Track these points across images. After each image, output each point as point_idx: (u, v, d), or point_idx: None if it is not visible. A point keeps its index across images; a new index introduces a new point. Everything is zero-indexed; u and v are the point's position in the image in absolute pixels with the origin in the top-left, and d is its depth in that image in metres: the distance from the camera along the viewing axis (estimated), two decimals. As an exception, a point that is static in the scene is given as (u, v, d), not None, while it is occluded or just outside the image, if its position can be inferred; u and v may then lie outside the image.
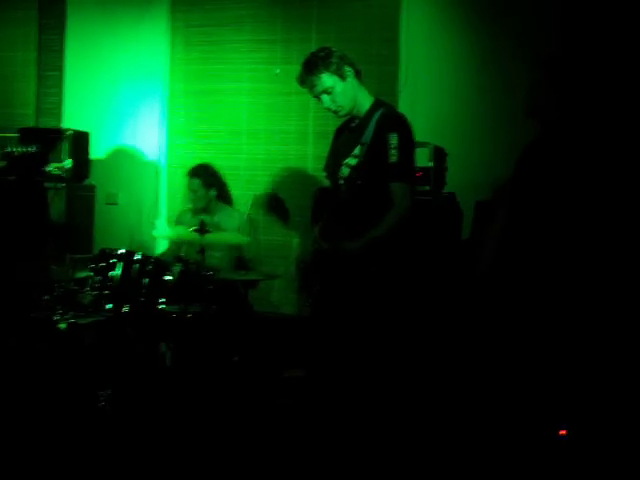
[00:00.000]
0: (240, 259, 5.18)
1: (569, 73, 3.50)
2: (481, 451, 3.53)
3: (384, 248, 3.43)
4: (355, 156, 3.56)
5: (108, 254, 4.33)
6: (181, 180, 5.31)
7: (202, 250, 4.42)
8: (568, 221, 3.35)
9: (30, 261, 4.78)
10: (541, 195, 3.39)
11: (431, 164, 4.69)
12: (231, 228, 5.10)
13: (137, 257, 4.32)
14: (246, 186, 5.80)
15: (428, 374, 4.05)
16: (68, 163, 5.60)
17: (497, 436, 3.49)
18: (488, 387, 3.62)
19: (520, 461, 3.35)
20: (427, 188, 4.62)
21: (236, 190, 5.63)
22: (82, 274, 4.40)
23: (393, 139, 3.42)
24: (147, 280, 4.30)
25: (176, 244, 5.28)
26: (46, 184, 5.53)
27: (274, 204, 5.71)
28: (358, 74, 3.61)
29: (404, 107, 4.82)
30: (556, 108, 3.47)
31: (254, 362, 4.65)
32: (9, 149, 5.48)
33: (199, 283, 4.42)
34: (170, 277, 4.41)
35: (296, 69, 3.64)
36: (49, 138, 5.63)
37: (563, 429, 3.38)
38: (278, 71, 5.66)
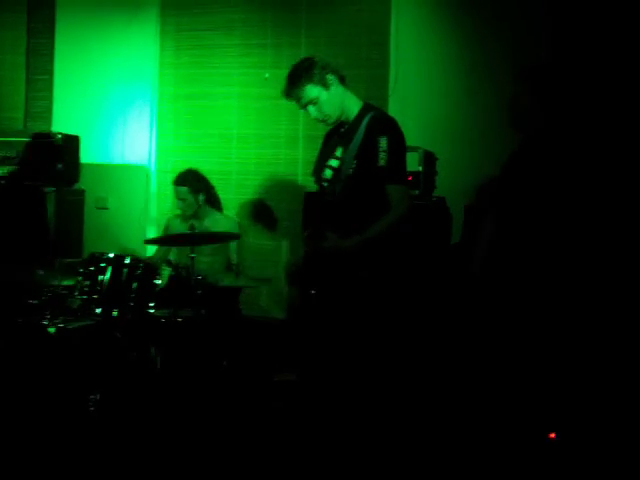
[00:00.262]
0: (229, 264, 5.17)
1: (550, 83, 3.54)
2: (474, 454, 3.53)
3: (376, 252, 3.43)
4: (336, 158, 3.58)
5: (97, 258, 4.31)
6: (171, 184, 5.30)
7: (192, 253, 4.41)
8: (554, 223, 3.38)
9: (28, 265, 4.76)
10: (527, 199, 3.43)
11: (421, 168, 4.69)
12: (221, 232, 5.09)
13: (126, 261, 4.31)
14: (236, 190, 5.80)
15: (421, 376, 4.05)
16: (58, 167, 5.58)
17: (490, 438, 3.50)
18: (482, 389, 3.63)
19: (515, 461, 3.36)
20: (417, 192, 4.62)
21: (226, 194, 5.63)
22: (71, 278, 4.39)
23: (383, 142, 3.43)
24: (136, 284, 4.29)
25: (166, 248, 5.27)
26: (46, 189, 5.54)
27: (260, 211, 5.72)
28: (343, 80, 3.62)
29: (394, 111, 4.82)
30: (539, 118, 3.51)
31: (244, 366, 4.64)
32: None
33: (188, 287, 4.41)
34: (159, 281, 4.40)
35: (286, 73, 3.64)
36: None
37: (552, 432, 3.40)
38: (267, 75, 5.66)
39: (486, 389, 3.59)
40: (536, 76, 3.56)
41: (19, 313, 4.15)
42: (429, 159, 4.82)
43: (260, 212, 5.75)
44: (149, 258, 5.23)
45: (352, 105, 3.62)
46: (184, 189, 5.09)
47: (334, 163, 3.59)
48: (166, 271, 4.72)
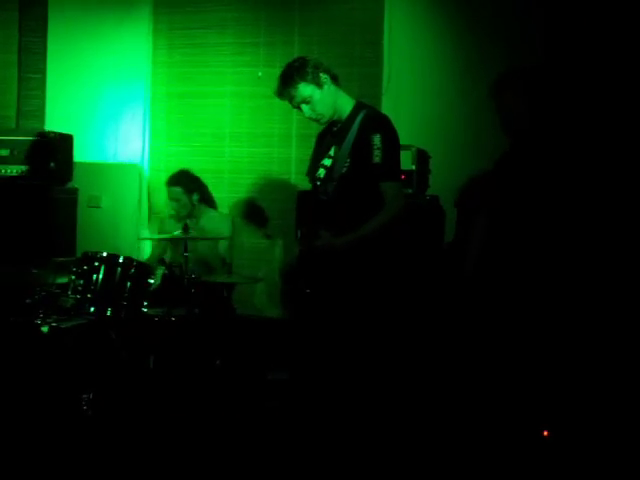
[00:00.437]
0: (223, 262, 5.17)
1: (537, 85, 3.56)
2: (466, 454, 3.54)
3: (371, 251, 3.44)
4: (329, 157, 3.59)
5: (91, 257, 4.30)
6: (164, 183, 5.30)
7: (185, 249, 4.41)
8: (545, 222, 3.40)
9: (23, 264, 4.76)
10: (518, 199, 3.45)
11: (414, 167, 4.70)
12: (216, 230, 5.09)
13: (120, 260, 4.30)
14: (229, 189, 5.80)
15: (415, 375, 4.06)
16: (51, 166, 5.57)
17: (483, 437, 3.51)
18: (476, 387, 3.64)
19: (511, 459, 3.37)
20: (410, 191, 4.62)
21: (219, 193, 5.64)
22: (64, 277, 4.38)
23: (376, 140, 3.43)
24: (130, 283, 4.28)
25: (161, 248, 5.27)
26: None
27: (253, 210, 5.72)
28: (335, 79, 3.62)
29: (387, 109, 4.82)
30: (526, 120, 3.53)
31: (237, 365, 4.64)
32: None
33: (182, 286, 4.41)
34: (153, 280, 4.40)
35: (279, 72, 3.65)
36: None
37: (545, 430, 3.41)
38: (261, 74, 5.66)
39: (480, 388, 3.60)
40: (523, 78, 3.59)
41: (12, 312, 4.14)
42: (422, 157, 4.83)
43: (253, 211, 5.74)
44: (148, 259, 5.24)
45: (345, 104, 3.62)
46: (178, 189, 5.08)
47: (327, 162, 3.60)
48: (160, 270, 4.70)
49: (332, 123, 3.65)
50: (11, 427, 3.69)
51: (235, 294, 4.98)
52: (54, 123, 6.13)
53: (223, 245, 5.13)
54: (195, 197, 5.13)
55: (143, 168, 6.06)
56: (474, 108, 5.05)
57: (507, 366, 3.43)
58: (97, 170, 6.06)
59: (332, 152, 3.59)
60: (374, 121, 3.52)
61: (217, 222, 5.17)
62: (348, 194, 3.49)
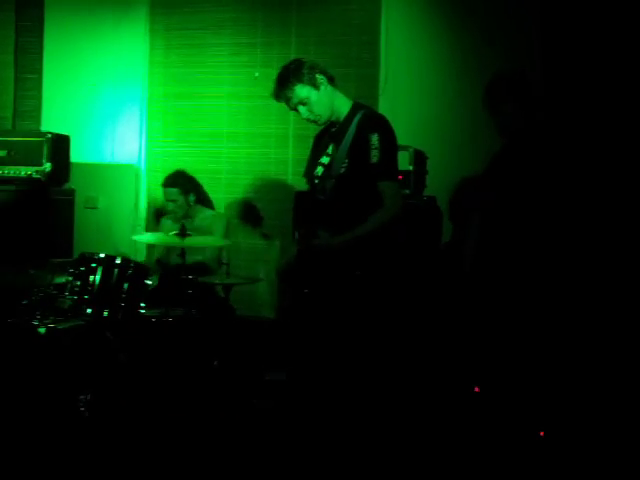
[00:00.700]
0: (220, 262, 5.17)
1: (529, 88, 3.60)
2: (464, 453, 3.55)
3: (370, 251, 3.44)
4: (327, 154, 3.59)
5: (88, 258, 4.30)
6: (160, 184, 5.30)
7: (183, 254, 4.40)
8: (539, 221, 3.42)
9: (21, 265, 4.75)
10: (512, 199, 3.47)
11: (411, 167, 4.70)
12: (212, 230, 5.10)
13: (117, 261, 4.29)
14: (226, 189, 5.80)
15: (414, 375, 4.07)
16: (47, 167, 5.57)
17: (482, 436, 3.52)
18: (476, 386, 3.65)
19: (510, 458, 3.38)
20: (407, 192, 4.63)
21: (216, 194, 5.64)
22: (61, 278, 4.37)
23: (374, 139, 3.43)
24: (127, 284, 4.27)
25: (158, 249, 5.27)
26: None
27: (251, 210, 5.71)
28: (332, 80, 3.62)
29: (384, 110, 4.82)
30: (520, 122, 3.56)
31: (235, 365, 4.64)
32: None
33: (180, 287, 4.41)
34: (150, 281, 4.39)
35: (276, 73, 3.65)
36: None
37: (541, 431, 3.42)
38: (257, 74, 5.66)
39: (480, 386, 3.61)
40: (514, 82, 3.62)
41: (9, 313, 4.13)
42: (420, 158, 4.83)
43: (250, 211, 5.74)
44: (145, 260, 5.24)
45: (342, 105, 3.62)
46: (174, 190, 5.09)
47: (325, 160, 3.60)
48: (157, 271, 4.70)
49: (330, 124, 3.65)
50: (8, 428, 3.68)
51: (233, 295, 4.97)
52: (51, 124, 6.12)
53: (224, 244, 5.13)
54: (191, 198, 5.14)
55: (140, 169, 6.05)
56: (471, 109, 5.04)
57: (506, 364, 3.44)
58: (94, 171, 6.06)
59: (330, 150, 3.60)
60: (372, 121, 3.53)
61: (212, 221, 5.18)
62: (346, 194, 3.49)
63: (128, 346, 4.19)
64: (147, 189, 6.03)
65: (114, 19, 6.08)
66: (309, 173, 3.71)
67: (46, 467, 3.43)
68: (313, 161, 3.71)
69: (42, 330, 3.96)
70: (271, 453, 3.66)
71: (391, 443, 3.61)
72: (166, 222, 5.27)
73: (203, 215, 5.22)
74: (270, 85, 3.64)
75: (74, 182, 5.90)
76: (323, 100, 3.58)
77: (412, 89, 5.32)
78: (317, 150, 3.73)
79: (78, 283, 4.21)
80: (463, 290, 3.66)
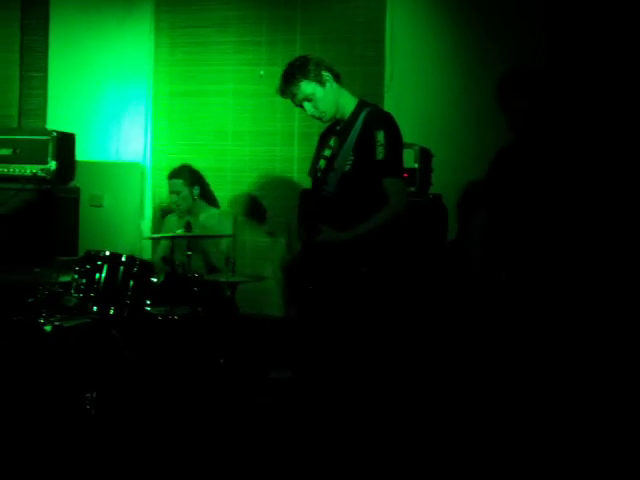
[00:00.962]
0: (226, 260, 5.17)
1: (541, 84, 3.59)
2: (469, 453, 3.54)
3: (376, 248, 3.44)
4: (329, 147, 3.60)
5: (93, 256, 4.31)
6: (166, 182, 5.31)
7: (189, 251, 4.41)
8: (545, 219, 3.41)
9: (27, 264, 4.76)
10: (518, 196, 3.46)
11: (417, 165, 4.70)
12: (217, 228, 5.10)
13: (123, 259, 4.30)
14: (232, 187, 5.79)
15: (420, 373, 4.06)
16: (52, 165, 5.57)
17: (488, 435, 3.51)
18: (482, 385, 3.65)
19: (510, 459, 3.38)
20: (413, 189, 4.63)
21: (222, 191, 5.65)
22: (67, 276, 4.38)
23: (380, 136, 3.44)
24: (133, 282, 4.28)
25: (163, 246, 5.27)
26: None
27: (256, 208, 5.71)
28: (337, 77, 3.62)
29: (390, 108, 4.83)
30: (532, 118, 3.56)
31: (240, 363, 4.64)
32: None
33: (185, 285, 4.41)
34: (156, 279, 4.40)
35: (281, 70, 3.65)
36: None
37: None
38: (262, 72, 5.66)
39: (486, 385, 3.61)
40: (524, 78, 3.62)
41: (15, 311, 4.14)
42: (425, 156, 4.83)
43: (255, 209, 5.74)
44: (150, 257, 5.25)
45: (348, 102, 3.62)
46: (179, 181, 5.11)
47: (327, 152, 3.61)
48: (163, 269, 4.70)
49: (335, 122, 3.65)
50: (15, 426, 3.69)
51: (238, 293, 4.97)
52: (56, 122, 6.12)
53: (225, 243, 5.13)
54: (196, 191, 5.15)
55: (145, 167, 6.05)
56: (477, 106, 5.05)
57: (514, 365, 3.44)
58: (99, 169, 6.06)
59: (332, 142, 3.60)
60: (378, 118, 3.53)
61: (218, 220, 5.18)
62: (351, 191, 3.49)
63: (134, 344, 4.20)
64: (152, 187, 6.03)
65: (119, 17, 6.08)
66: (313, 172, 3.71)
67: (52, 465, 3.43)
68: (318, 160, 3.71)
69: (48, 328, 3.97)
70: (276, 450, 3.66)
71: (395, 442, 3.61)
72: (171, 219, 5.27)
73: (208, 213, 5.22)
74: (275, 83, 3.65)
75: (79, 180, 5.90)
76: (328, 97, 3.58)
77: (417, 86, 5.31)
78: (322, 149, 3.73)
79: (84, 281, 4.22)
80: (473, 290, 3.66)
